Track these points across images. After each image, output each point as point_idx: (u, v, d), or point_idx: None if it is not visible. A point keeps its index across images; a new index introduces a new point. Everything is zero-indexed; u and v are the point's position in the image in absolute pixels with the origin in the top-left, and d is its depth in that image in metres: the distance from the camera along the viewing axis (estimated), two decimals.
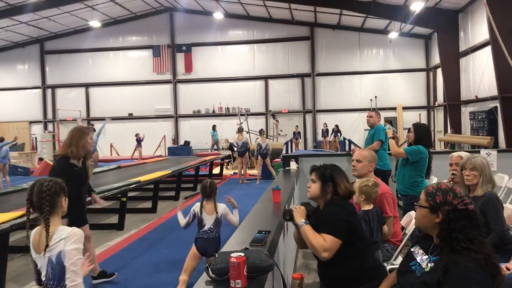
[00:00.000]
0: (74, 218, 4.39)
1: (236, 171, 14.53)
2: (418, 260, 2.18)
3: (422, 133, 5.14)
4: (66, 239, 2.40)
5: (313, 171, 2.94)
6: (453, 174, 3.98)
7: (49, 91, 25.30)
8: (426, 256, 2.15)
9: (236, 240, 2.80)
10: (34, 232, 2.49)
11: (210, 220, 4.59)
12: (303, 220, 2.76)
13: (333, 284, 2.86)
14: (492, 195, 3.40)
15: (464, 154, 3.94)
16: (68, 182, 4.41)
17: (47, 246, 2.37)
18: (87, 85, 24.76)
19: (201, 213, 4.62)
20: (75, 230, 2.45)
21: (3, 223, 4.77)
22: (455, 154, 4.04)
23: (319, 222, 2.79)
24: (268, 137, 21.71)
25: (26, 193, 2.50)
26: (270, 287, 2.68)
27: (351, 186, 2.86)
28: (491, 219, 3.27)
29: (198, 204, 4.73)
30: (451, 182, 3.53)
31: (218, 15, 22.00)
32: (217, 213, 4.61)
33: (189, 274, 4.61)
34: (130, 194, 8.83)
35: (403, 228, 4.15)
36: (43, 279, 2.44)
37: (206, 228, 4.60)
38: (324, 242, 2.64)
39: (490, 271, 1.92)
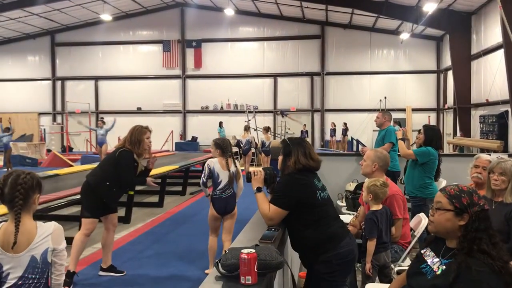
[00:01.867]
0: (113, 206, 4.96)
1: (243, 168, 14.55)
2: (429, 263, 2.15)
3: (432, 135, 5.12)
4: (53, 235, 2.28)
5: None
6: (477, 177, 3.82)
7: (58, 83, 25.44)
8: (438, 259, 2.12)
9: (245, 237, 2.80)
10: (1, 229, 2.22)
11: (225, 176, 4.85)
12: (257, 187, 2.96)
13: (297, 250, 3.02)
14: None
15: (492, 157, 3.82)
16: (128, 175, 4.74)
17: (15, 243, 2.16)
18: (96, 78, 24.85)
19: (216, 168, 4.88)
20: (57, 224, 2.33)
21: (3, 215, 4.80)
22: (483, 156, 3.89)
23: None
24: (276, 135, 21.68)
25: None
26: (279, 284, 2.67)
27: (308, 160, 2.92)
28: None
29: (214, 159, 4.94)
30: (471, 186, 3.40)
31: (229, 12, 21.95)
32: (229, 169, 4.87)
33: (216, 233, 5.02)
34: (137, 188, 8.86)
35: (411, 230, 4.13)
36: (13, 281, 2.18)
37: (222, 185, 4.85)
38: (268, 211, 2.82)
39: (504, 279, 1.89)
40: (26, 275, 2.20)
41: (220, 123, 21.38)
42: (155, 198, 9.52)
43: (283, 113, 22.16)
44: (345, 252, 2.81)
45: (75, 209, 7.76)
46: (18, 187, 2.22)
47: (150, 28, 24.53)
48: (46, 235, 2.25)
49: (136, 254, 5.88)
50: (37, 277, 2.22)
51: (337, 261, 2.76)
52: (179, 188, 10.92)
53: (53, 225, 2.31)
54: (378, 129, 6.76)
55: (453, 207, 2.05)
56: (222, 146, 4.97)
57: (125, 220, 7.64)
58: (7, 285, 2.18)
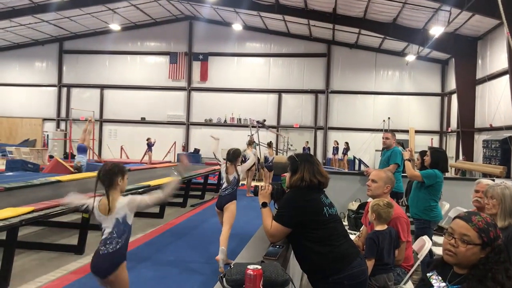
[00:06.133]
0: None
1: (244, 182, 14.49)
2: (436, 287, 2.12)
3: (438, 158, 5.11)
4: (128, 204, 3.33)
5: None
6: (476, 201, 3.90)
7: (64, 90, 25.58)
8: (444, 284, 2.09)
9: (249, 252, 2.78)
10: (100, 201, 3.34)
11: (228, 179, 5.77)
12: (262, 203, 2.95)
13: (305, 270, 2.91)
14: None
15: (492, 182, 3.86)
16: None
17: (109, 210, 3.27)
18: (102, 87, 24.99)
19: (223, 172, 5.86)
20: (130, 196, 3.42)
21: (13, 217, 4.79)
22: (483, 181, 3.95)
23: None
24: (278, 151, 21.65)
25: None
26: None
27: (316, 176, 2.86)
28: None
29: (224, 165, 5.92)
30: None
31: (237, 27, 22.17)
32: (227, 173, 5.79)
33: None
34: None
35: (414, 252, 4.09)
36: (106, 234, 3.29)
37: (223, 186, 5.82)
38: (270, 228, 2.77)
39: None
40: (113, 231, 3.29)
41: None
42: (155, 209, 9.46)
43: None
44: (357, 273, 2.71)
45: (75, 216, 7.74)
46: (105, 172, 3.36)
47: (158, 40, 24.75)
48: (123, 205, 3.32)
49: (135, 264, 5.83)
50: (120, 233, 3.29)
51: (349, 282, 2.66)
52: (180, 200, 10.88)
53: (127, 198, 3.38)
54: (381, 149, 6.74)
55: (481, 241, 1.97)
56: (227, 154, 5.91)
57: None
58: (104, 236, 3.30)
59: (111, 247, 3.27)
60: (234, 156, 5.86)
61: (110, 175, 3.34)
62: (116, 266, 3.29)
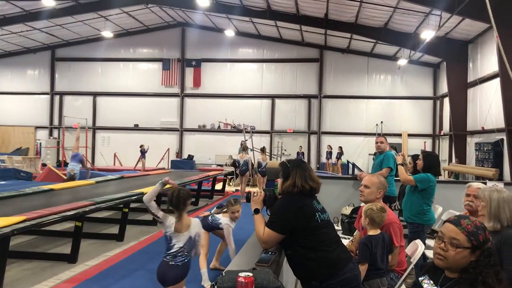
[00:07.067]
0: None
1: (239, 188, 14.49)
2: None
3: (431, 162, 5.13)
4: (199, 227, 3.92)
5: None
6: (468, 205, 3.92)
7: (57, 97, 25.46)
8: None
9: (242, 259, 2.77)
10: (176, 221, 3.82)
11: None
12: (254, 209, 2.92)
13: (298, 276, 2.90)
14: (510, 234, 3.22)
15: (482, 185, 3.88)
16: None
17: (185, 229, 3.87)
18: (95, 94, 24.91)
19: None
20: (198, 220, 3.97)
21: (5, 227, 4.75)
22: (474, 184, 3.97)
23: None
24: (272, 156, 21.66)
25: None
26: None
27: (307, 182, 2.86)
28: (506, 258, 3.15)
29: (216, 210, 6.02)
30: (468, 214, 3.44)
31: (230, 33, 22.21)
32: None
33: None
34: (132, 205, 8.80)
35: (407, 256, 4.10)
36: (177, 248, 3.72)
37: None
38: (263, 234, 2.76)
39: None
40: (184, 246, 3.72)
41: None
42: (149, 216, 9.41)
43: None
44: (350, 278, 2.72)
45: (68, 225, 7.69)
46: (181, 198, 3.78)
47: (151, 46, 24.74)
48: (196, 225, 3.84)
49: (129, 272, 5.80)
50: (189, 249, 3.76)
51: (342, 287, 2.68)
52: None
53: (198, 220, 3.93)
54: (373, 153, 6.76)
55: (470, 244, 1.98)
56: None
57: (119, 237, 7.56)
58: (172, 250, 3.72)
59: (180, 260, 3.73)
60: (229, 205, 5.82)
61: (184, 200, 3.79)
62: (184, 277, 3.78)
